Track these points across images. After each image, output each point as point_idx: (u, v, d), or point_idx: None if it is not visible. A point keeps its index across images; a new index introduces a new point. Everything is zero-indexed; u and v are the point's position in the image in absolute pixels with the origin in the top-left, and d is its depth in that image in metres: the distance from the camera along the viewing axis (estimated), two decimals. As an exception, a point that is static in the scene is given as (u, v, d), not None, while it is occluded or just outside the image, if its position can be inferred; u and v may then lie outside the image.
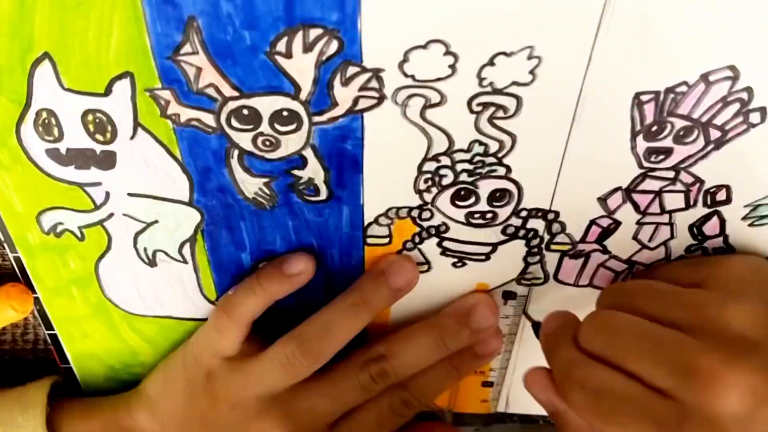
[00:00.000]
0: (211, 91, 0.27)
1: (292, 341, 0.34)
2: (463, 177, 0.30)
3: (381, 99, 0.27)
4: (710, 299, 0.28)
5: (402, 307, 0.36)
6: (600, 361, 0.28)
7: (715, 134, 0.28)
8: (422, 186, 0.31)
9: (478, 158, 0.29)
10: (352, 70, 0.26)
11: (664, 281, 0.30)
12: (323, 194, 0.31)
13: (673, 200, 0.31)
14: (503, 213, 0.32)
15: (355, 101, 0.27)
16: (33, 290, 0.36)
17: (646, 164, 0.29)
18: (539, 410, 0.42)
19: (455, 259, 0.34)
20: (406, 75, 0.26)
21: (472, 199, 0.31)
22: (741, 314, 0.26)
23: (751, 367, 0.25)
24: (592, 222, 0.32)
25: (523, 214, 0.32)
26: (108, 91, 0.28)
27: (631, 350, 0.27)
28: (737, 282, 0.30)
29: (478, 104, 0.27)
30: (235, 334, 0.34)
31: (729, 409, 0.24)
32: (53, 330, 0.38)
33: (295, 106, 0.27)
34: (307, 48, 0.25)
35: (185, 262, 0.34)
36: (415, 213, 0.32)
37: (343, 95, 0.27)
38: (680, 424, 0.25)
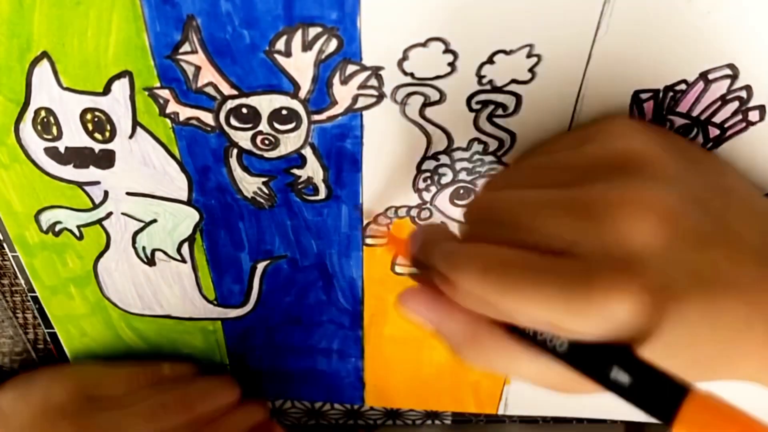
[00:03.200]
0: (210, 90, 0.27)
1: (167, 394, 0.37)
2: (462, 176, 0.30)
3: (380, 97, 0.27)
4: (586, 141, 0.24)
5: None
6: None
7: (713, 132, 0.28)
8: (421, 185, 0.31)
9: (477, 157, 0.29)
10: (351, 68, 0.26)
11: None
12: (322, 193, 0.31)
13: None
14: (502, 212, 0.32)
15: (355, 99, 0.27)
16: (32, 289, 0.36)
17: (645, 163, 0.29)
18: (539, 411, 0.42)
19: (454, 258, 0.34)
20: (405, 73, 0.26)
21: (471, 198, 0.31)
22: (628, 137, 0.22)
23: (658, 189, 0.20)
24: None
25: (523, 212, 0.32)
26: (107, 90, 0.28)
27: (520, 220, 0.22)
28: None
29: (478, 102, 0.27)
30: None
31: (643, 240, 0.19)
32: (52, 328, 0.38)
33: (294, 104, 0.27)
34: (307, 46, 0.25)
35: (184, 261, 0.34)
36: (414, 212, 0.32)
37: (343, 93, 0.27)
38: (589, 278, 0.19)
